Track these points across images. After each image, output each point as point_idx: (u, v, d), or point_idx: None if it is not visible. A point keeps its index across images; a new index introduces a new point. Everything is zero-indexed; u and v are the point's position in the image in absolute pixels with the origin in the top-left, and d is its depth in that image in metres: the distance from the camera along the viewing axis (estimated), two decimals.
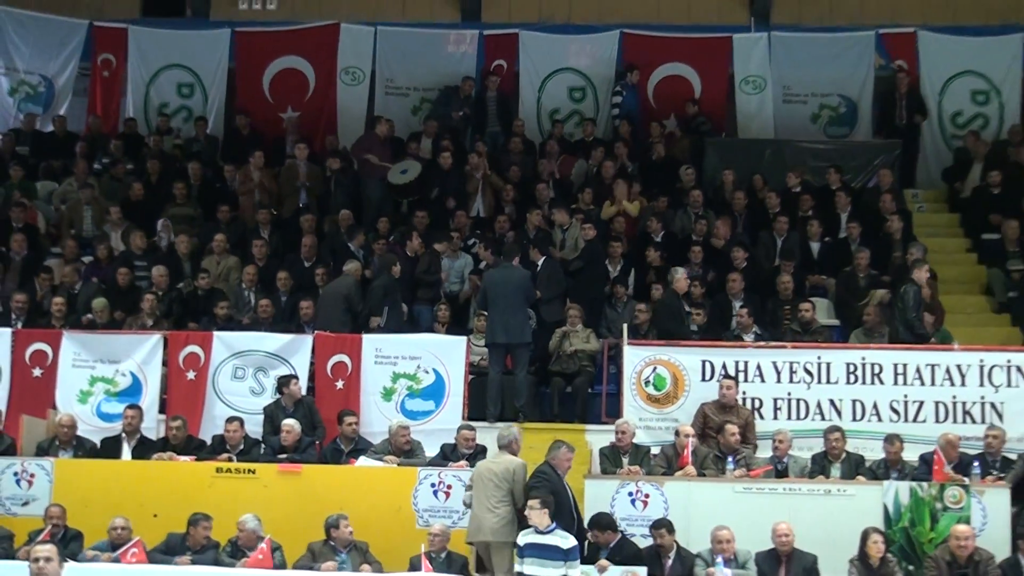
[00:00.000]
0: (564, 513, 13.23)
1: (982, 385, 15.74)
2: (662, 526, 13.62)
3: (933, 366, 15.81)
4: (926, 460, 14.71)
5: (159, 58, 22.78)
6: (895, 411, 15.71)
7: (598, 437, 15.74)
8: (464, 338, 16.73)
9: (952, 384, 15.79)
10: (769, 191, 19.94)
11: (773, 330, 17.22)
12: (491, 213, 19.82)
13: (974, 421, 15.50)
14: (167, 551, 13.39)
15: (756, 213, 19.68)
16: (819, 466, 14.89)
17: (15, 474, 14.44)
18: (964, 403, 15.69)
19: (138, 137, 21.89)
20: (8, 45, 22.63)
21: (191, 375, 16.33)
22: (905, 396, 15.76)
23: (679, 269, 17.62)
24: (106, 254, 18.93)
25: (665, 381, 15.96)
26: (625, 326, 16.73)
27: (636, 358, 16.02)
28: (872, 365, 15.89)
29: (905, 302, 16.74)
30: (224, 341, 16.50)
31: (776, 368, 15.96)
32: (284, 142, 21.41)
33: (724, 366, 15.90)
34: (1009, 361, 15.81)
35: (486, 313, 16.89)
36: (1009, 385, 15.68)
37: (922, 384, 15.78)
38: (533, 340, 16.99)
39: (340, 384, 16.27)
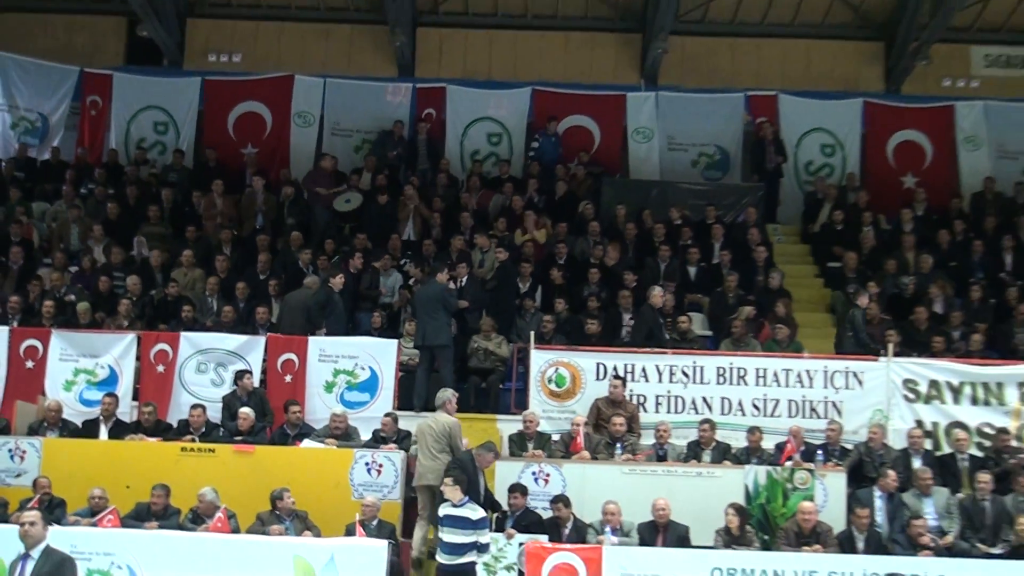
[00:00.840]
0: (474, 494, 13.32)
1: (826, 387, 16.04)
2: (560, 500, 13.75)
3: (787, 371, 16.10)
4: (780, 448, 14.95)
5: (139, 100, 22.60)
6: (756, 407, 15.95)
7: (507, 425, 15.80)
8: (395, 341, 16.72)
9: (802, 386, 16.06)
10: (655, 223, 19.99)
11: (658, 338, 17.22)
12: (420, 237, 19.76)
13: (819, 416, 15.80)
14: (136, 518, 13.39)
15: (644, 242, 19.71)
16: (693, 452, 15.05)
17: (9, 450, 14.35)
18: (811, 401, 15.97)
19: (119, 166, 21.66)
20: (11, 86, 22.45)
21: (161, 368, 16.27)
22: (764, 395, 16.01)
23: (655, 287, 17.65)
24: (89, 265, 18.73)
25: (565, 380, 16.06)
26: (532, 333, 16.73)
27: (541, 360, 16.14)
28: (738, 369, 16.13)
29: (856, 323, 17.21)
30: (190, 340, 16.45)
31: (658, 370, 16.12)
32: (244, 174, 21.26)
33: (615, 368, 16.01)
34: (847, 368, 16.18)
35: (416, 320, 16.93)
36: (847, 387, 16.03)
37: (778, 385, 16.05)
38: (455, 344, 16.92)
39: (288, 378, 16.26)
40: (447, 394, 14.59)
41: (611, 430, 15.14)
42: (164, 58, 22.90)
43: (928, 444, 15.45)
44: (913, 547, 13.45)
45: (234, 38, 23.08)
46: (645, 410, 15.81)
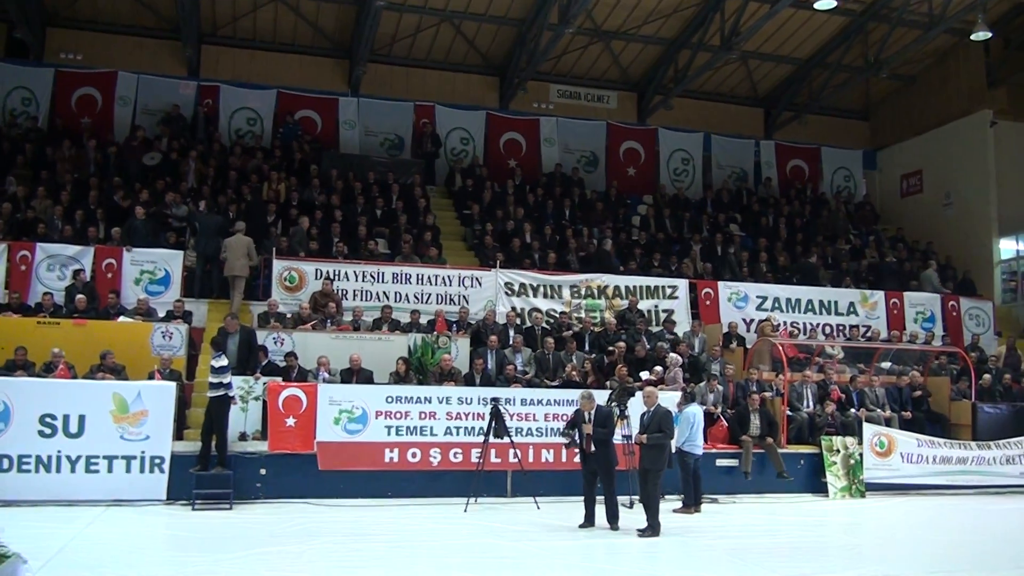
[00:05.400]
0: (242, 350, 13.39)
1: (459, 286, 16.68)
2: (290, 355, 13.82)
3: (436, 275, 16.61)
4: (431, 323, 15.42)
5: (12, 82, 20.15)
6: (417, 298, 16.41)
7: (258, 307, 15.63)
8: (182, 252, 16.07)
9: (445, 285, 16.65)
10: (356, 182, 19.87)
11: (356, 254, 17.31)
12: (199, 184, 18.86)
13: (455, 304, 16.40)
14: (8, 368, 12.59)
15: (348, 193, 19.54)
16: (376, 325, 15.31)
17: None
18: (450, 294, 16.57)
19: None
20: None
21: (23, 268, 15.10)
22: (422, 290, 16.49)
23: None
24: None
25: (295, 279, 15.98)
26: (274, 249, 16.50)
27: (280, 266, 16.00)
28: (405, 274, 16.54)
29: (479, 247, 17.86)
30: (43, 248, 15.31)
31: (356, 274, 16.29)
32: (82, 136, 19.64)
33: (327, 272, 16.08)
34: (472, 274, 16.90)
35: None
36: (472, 286, 16.74)
37: (431, 284, 16.54)
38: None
39: (110, 275, 15.36)
40: (242, 225, 16.01)
41: (325, 312, 15.25)
42: (31, 54, 20.78)
43: (518, 321, 16.31)
44: (507, 382, 14.36)
45: (78, 43, 20.99)
46: (347, 299, 15.92)
